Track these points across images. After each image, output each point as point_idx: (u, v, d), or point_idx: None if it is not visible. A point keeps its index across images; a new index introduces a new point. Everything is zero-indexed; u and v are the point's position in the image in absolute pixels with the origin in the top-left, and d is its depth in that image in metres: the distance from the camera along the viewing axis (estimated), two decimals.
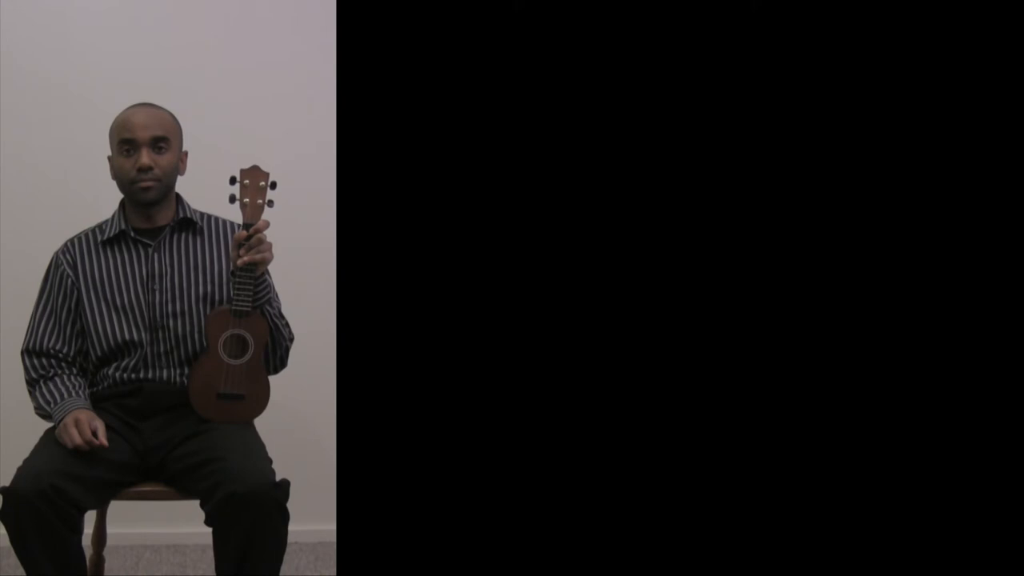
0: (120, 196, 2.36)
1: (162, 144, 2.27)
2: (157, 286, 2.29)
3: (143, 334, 2.27)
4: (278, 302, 2.39)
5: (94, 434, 2.09)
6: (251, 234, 2.16)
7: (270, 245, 2.20)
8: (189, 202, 2.39)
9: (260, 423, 2.33)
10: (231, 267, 2.23)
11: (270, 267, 2.28)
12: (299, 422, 3.17)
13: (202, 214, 2.40)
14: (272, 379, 2.33)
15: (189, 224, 2.36)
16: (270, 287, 2.33)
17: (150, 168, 2.25)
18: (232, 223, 2.39)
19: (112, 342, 2.28)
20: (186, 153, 2.38)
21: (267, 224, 2.19)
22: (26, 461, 2.08)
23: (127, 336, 2.27)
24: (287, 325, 2.38)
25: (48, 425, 2.23)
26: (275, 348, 2.33)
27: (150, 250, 2.31)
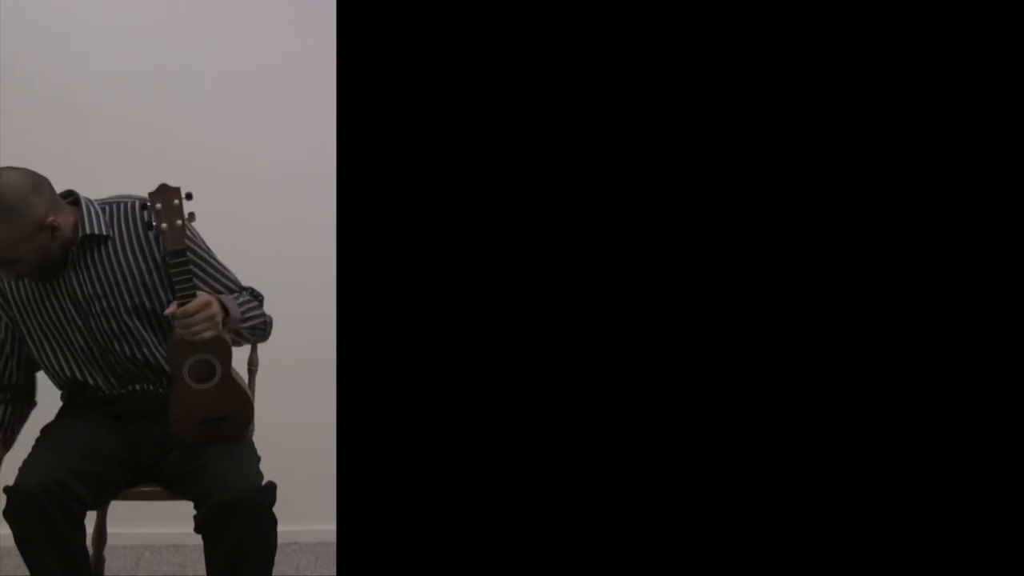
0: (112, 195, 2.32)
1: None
2: (87, 310, 2.18)
3: (95, 372, 2.21)
4: (261, 318, 2.31)
5: None
6: (180, 316, 2.04)
7: (205, 321, 2.04)
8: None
9: (259, 424, 2.33)
10: (160, 258, 2.15)
11: (269, 270, 2.26)
12: (299, 422, 3.17)
13: (110, 208, 2.22)
14: (271, 381, 2.31)
15: (93, 240, 2.18)
16: (259, 312, 2.26)
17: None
18: (137, 202, 2.21)
19: (69, 377, 2.23)
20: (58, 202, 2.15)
21: (202, 305, 2.03)
22: (26, 461, 2.08)
23: (80, 378, 2.22)
24: (253, 307, 2.27)
25: (42, 424, 2.23)
26: (252, 336, 2.29)
27: (69, 276, 2.17)
